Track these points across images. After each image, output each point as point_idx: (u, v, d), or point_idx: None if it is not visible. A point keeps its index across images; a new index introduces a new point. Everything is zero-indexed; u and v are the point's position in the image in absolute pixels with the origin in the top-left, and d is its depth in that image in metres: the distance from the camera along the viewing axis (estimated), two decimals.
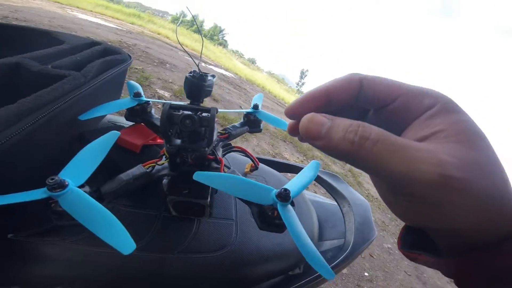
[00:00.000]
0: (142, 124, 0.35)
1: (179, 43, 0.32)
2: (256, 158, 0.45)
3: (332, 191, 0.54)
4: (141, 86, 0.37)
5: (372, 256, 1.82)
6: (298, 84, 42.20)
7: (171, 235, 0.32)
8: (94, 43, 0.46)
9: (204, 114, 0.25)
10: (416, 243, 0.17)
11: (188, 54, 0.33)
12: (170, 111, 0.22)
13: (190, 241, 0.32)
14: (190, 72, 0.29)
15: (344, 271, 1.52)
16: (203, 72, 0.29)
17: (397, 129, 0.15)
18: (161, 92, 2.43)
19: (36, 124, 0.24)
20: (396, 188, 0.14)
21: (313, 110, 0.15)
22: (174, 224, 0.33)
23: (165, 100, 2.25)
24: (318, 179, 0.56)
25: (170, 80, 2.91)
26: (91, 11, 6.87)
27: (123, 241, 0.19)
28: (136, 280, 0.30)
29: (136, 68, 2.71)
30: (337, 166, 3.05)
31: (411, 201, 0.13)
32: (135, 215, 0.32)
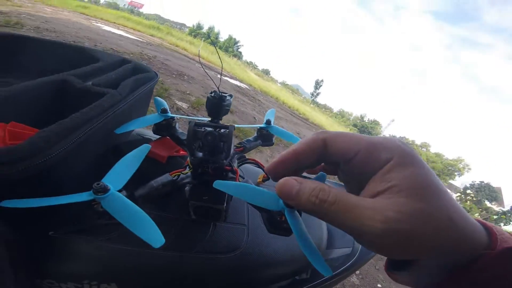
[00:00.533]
0: (168, 138, 0.39)
1: (202, 67, 0.36)
2: None
3: None
4: (161, 97, 0.41)
5: None
6: (313, 94, 41.81)
7: (190, 236, 0.35)
8: (124, 61, 0.51)
9: (223, 131, 0.29)
10: (403, 263, 0.19)
11: (210, 78, 0.38)
12: (195, 128, 0.26)
13: (206, 242, 0.35)
14: (211, 92, 0.33)
15: (357, 282, 1.49)
16: (223, 93, 0.33)
17: (363, 179, 0.17)
18: (179, 103, 2.53)
19: (83, 137, 0.28)
20: (355, 237, 0.16)
21: (288, 171, 0.18)
22: (193, 227, 0.36)
23: (183, 112, 2.33)
24: None
25: (188, 92, 3.02)
26: (114, 22, 7.28)
27: (154, 236, 0.22)
28: (158, 277, 0.33)
29: None
30: None
31: (367, 247, 0.16)
32: (160, 218, 0.35)
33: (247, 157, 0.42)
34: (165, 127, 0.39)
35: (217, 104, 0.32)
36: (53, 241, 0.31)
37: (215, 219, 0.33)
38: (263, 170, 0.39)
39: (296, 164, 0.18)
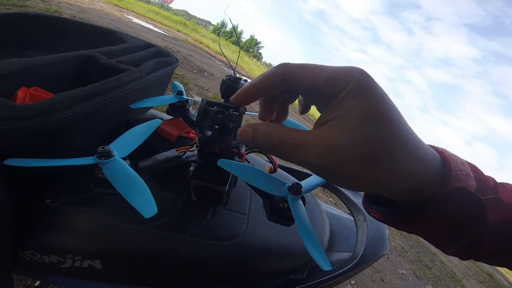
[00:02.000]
0: (180, 119, 0.40)
1: (220, 50, 0.36)
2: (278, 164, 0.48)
3: (349, 203, 0.55)
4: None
5: (383, 280, 1.72)
6: None
7: (187, 219, 0.34)
8: (149, 45, 0.53)
9: (234, 112, 0.29)
10: (381, 200, 0.20)
11: (227, 59, 0.38)
12: (206, 106, 0.25)
13: (203, 227, 0.35)
14: (227, 76, 0.34)
15: None
16: (238, 76, 0.34)
17: (324, 109, 0.18)
18: (197, 98, 2.59)
19: (99, 104, 0.29)
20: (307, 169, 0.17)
21: (249, 101, 0.20)
22: (192, 210, 0.35)
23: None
24: (336, 191, 0.56)
25: (206, 88, 3.08)
26: (144, 15, 7.55)
27: (146, 205, 0.22)
28: (146, 257, 0.32)
29: (177, 74, 2.91)
30: None
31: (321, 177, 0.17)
32: (160, 196, 0.35)
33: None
34: (178, 108, 0.40)
35: (231, 86, 0.33)
36: (48, 210, 0.30)
37: (215, 203, 0.33)
38: (271, 161, 0.39)
39: (257, 96, 0.20)
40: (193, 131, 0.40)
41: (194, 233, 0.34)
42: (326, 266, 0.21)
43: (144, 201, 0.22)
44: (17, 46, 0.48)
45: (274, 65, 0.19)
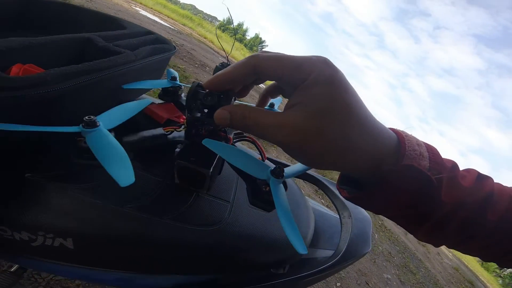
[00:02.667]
0: (172, 104, 0.40)
1: (217, 38, 0.37)
2: (267, 157, 0.48)
3: (335, 200, 0.55)
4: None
5: (368, 284, 1.74)
6: None
7: (167, 202, 0.34)
8: (148, 32, 0.54)
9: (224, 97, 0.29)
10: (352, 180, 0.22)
11: (221, 46, 0.39)
12: (197, 88, 0.25)
13: (183, 211, 0.34)
14: (220, 63, 0.34)
15: None
16: (231, 64, 0.34)
17: (291, 94, 0.19)
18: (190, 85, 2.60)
19: (89, 81, 0.30)
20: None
21: (223, 87, 0.22)
22: (173, 193, 0.35)
23: None
24: (324, 188, 0.57)
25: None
26: (151, 8, 7.52)
27: (123, 174, 0.21)
28: (120, 238, 0.31)
29: (179, 67, 2.91)
30: None
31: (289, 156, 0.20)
32: (142, 177, 0.34)
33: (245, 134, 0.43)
34: (171, 93, 0.40)
35: None
36: (26, 183, 0.29)
37: (198, 186, 0.33)
38: (260, 151, 0.40)
39: (229, 84, 0.22)
40: (183, 116, 0.41)
41: (174, 217, 0.33)
42: (301, 250, 0.22)
43: (122, 170, 0.22)
44: (21, 29, 0.48)
45: (246, 56, 0.20)
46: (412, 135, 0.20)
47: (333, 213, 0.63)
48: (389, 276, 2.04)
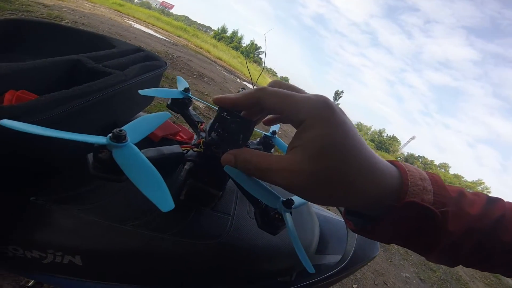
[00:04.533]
0: (169, 121, 0.40)
1: (247, 67, 0.37)
2: None
3: None
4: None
5: (386, 284, 1.70)
6: None
7: (168, 218, 0.34)
8: (138, 50, 0.54)
9: (246, 124, 0.28)
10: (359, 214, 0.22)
11: (251, 79, 0.39)
12: (223, 113, 0.25)
13: (184, 226, 0.34)
14: (242, 88, 0.34)
15: None
16: None
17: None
18: (197, 103, 2.61)
19: (82, 106, 0.30)
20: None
21: (229, 107, 0.23)
22: (173, 209, 0.35)
23: (199, 111, 2.37)
24: None
25: (206, 93, 3.10)
26: (145, 21, 7.63)
27: (163, 198, 0.21)
28: (124, 255, 0.32)
29: None
30: None
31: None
32: (140, 194, 0.34)
33: None
34: (180, 105, 0.40)
35: None
36: (31, 207, 0.30)
37: (204, 204, 0.33)
38: None
39: (234, 106, 0.23)
40: (181, 134, 0.40)
41: (174, 232, 0.34)
42: (310, 269, 0.23)
43: (160, 194, 0.21)
44: (12, 51, 0.49)
45: (253, 89, 0.21)
46: (415, 167, 0.20)
47: (338, 217, 0.62)
48: (408, 275, 1.98)
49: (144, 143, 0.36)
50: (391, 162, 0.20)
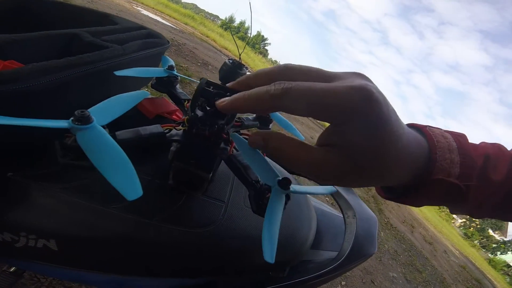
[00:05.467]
0: (165, 99, 0.38)
1: (232, 35, 0.35)
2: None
3: (339, 199, 0.53)
4: (181, 83, 0.40)
5: (373, 283, 1.72)
6: None
7: (155, 202, 0.32)
8: (141, 27, 0.52)
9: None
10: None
11: (236, 43, 0.37)
12: (205, 85, 0.23)
13: (173, 212, 0.32)
14: (230, 59, 0.32)
15: None
16: (242, 63, 0.32)
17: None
18: (192, 78, 2.60)
19: (72, 76, 0.28)
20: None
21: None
22: (163, 193, 0.33)
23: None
24: None
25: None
26: (153, 8, 7.54)
27: (130, 186, 0.19)
28: (103, 241, 0.30)
29: (181, 66, 2.90)
30: (361, 191, 2.93)
31: None
32: None
33: (242, 132, 0.41)
34: (166, 83, 0.38)
35: (232, 71, 0.31)
36: (8, 183, 0.28)
37: (193, 189, 0.31)
38: None
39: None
40: (177, 114, 0.38)
41: (162, 218, 0.31)
42: (269, 258, 0.21)
43: (127, 180, 0.19)
44: (15, 28, 0.47)
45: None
46: (443, 133, 0.20)
47: (337, 212, 0.61)
48: (395, 275, 2.03)
49: (137, 120, 0.35)
50: (420, 129, 0.20)
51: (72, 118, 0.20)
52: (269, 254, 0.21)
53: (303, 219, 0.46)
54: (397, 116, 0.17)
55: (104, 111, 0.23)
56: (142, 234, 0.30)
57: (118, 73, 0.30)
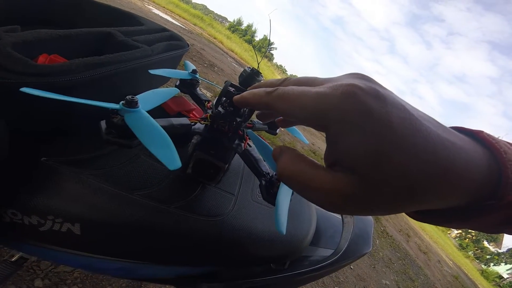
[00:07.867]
0: (185, 98, 0.42)
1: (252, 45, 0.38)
2: None
3: None
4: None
5: None
6: None
7: (175, 191, 0.35)
8: (164, 29, 0.56)
9: None
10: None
11: (255, 53, 0.40)
12: (229, 87, 0.28)
13: (189, 201, 0.35)
14: (249, 67, 0.36)
15: None
16: (259, 71, 0.36)
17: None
18: (204, 91, 2.63)
19: (109, 72, 0.32)
20: None
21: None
22: (182, 183, 0.36)
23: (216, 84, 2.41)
24: None
25: (215, 82, 3.12)
26: (164, 7, 7.62)
27: (171, 158, 0.23)
28: (125, 224, 0.32)
29: None
30: None
31: None
32: (151, 165, 0.36)
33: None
34: (189, 85, 0.43)
35: (251, 77, 0.35)
36: (41, 167, 0.29)
37: (210, 179, 0.35)
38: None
39: (248, 106, 0.21)
40: (194, 113, 0.42)
41: (180, 205, 0.34)
42: (281, 228, 0.24)
43: (168, 153, 0.23)
44: (47, 24, 0.51)
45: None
46: (503, 140, 0.14)
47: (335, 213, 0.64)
48: (388, 282, 2.03)
49: (160, 115, 0.38)
50: (474, 134, 0.14)
51: (122, 102, 0.24)
52: (281, 226, 0.24)
53: (304, 218, 0.49)
54: (413, 116, 0.13)
55: (146, 100, 0.27)
56: (161, 220, 0.33)
57: (153, 71, 0.34)
